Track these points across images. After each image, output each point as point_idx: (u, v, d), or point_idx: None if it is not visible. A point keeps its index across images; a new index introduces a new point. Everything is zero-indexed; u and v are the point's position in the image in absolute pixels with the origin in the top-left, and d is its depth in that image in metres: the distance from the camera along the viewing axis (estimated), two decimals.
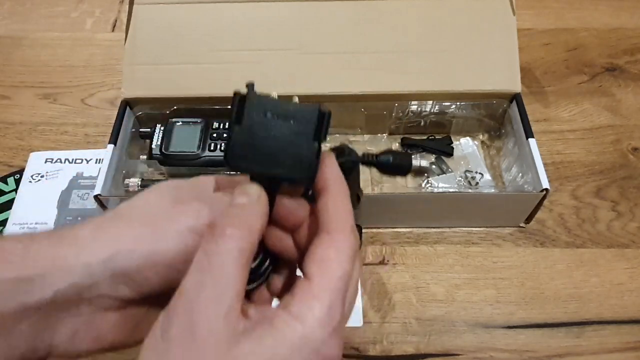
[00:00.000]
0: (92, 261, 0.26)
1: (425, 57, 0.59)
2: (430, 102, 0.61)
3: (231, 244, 0.23)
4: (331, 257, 0.24)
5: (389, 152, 0.39)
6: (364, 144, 0.64)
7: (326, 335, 0.22)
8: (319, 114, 0.26)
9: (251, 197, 0.25)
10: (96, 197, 0.53)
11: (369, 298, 0.53)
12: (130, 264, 0.26)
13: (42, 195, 0.61)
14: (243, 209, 0.25)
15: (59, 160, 0.64)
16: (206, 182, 0.31)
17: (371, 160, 0.39)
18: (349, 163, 0.39)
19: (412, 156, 0.35)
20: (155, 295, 0.28)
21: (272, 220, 0.27)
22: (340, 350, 0.23)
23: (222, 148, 0.58)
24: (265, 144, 0.26)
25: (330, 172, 0.26)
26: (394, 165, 0.34)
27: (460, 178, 0.61)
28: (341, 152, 0.39)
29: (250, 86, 0.26)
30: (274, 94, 0.27)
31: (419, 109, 0.62)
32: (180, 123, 0.59)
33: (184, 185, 0.30)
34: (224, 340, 0.21)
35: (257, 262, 0.28)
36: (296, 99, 0.28)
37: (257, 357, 0.21)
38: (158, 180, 0.59)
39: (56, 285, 0.25)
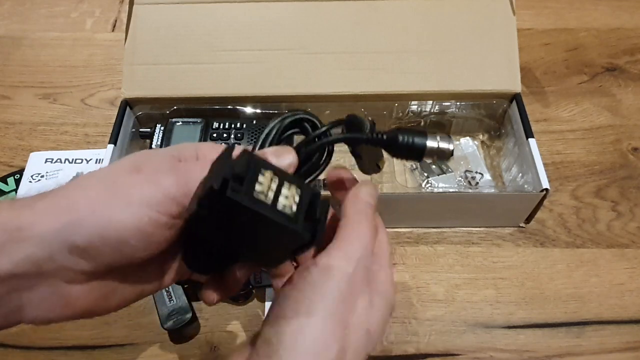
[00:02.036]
0: (46, 232, 0.25)
1: (425, 57, 0.59)
2: (430, 102, 0.61)
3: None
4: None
5: (399, 130, 0.34)
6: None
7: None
8: (300, 242, 0.26)
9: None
10: None
11: None
12: (81, 237, 0.25)
13: None
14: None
15: (59, 160, 0.64)
16: (185, 150, 0.30)
17: (378, 139, 0.32)
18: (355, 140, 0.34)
19: (429, 136, 0.30)
20: (119, 269, 0.27)
21: None
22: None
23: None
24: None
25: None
26: (402, 146, 0.29)
27: (460, 178, 0.61)
28: (353, 124, 0.34)
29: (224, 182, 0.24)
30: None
31: (419, 109, 0.62)
32: (180, 123, 0.59)
33: (155, 154, 0.29)
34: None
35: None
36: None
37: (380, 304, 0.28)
38: None
39: (13, 256, 0.25)
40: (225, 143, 0.58)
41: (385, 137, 0.30)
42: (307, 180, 0.31)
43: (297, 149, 0.30)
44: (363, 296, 0.28)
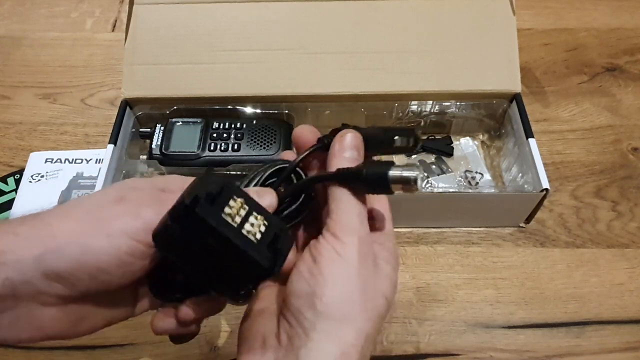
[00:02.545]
0: (24, 258, 0.26)
1: (425, 57, 0.59)
2: (430, 102, 0.61)
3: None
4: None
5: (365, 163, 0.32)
6: None
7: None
8: (258, 270, 0.26)
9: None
10: None
11: None
12: (60, 264, 0.26)
13: (42, 195, 0.61)
14: None
15: (59, 160, 0.64)
16: (172, 182, 0.30)
17: (346, 174, 0.30)
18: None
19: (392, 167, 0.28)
20: (94, 295, 0.28)
21: None
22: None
23: (222, 148, 0.58)
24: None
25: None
26: (368, 179, 0.28)
27: (460, 178, 0.61)
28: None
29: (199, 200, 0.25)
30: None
31: (419, 109, 0.62)
32: (180, 123, 0.59)
33: (141, 185, 0.29)
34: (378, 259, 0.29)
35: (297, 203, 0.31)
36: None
37: (390, 272, 0.30)
38: None
39: None
40: (224, 143, 0.58)
41: (351, 171, 0.29)
42: (288, 225, 0.31)
43: (278, 192, 0.31)
44: (372, 265, 0.28)
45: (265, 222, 0.27)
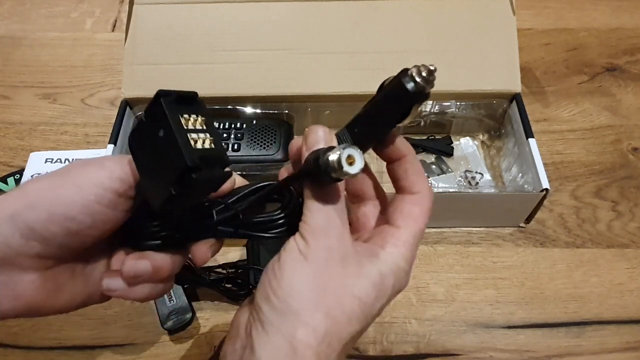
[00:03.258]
0: (0, 218, 0.27)
1: (425, 57, 0.59)
2: (430, 102, 0.61)
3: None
4: (416, 213, 0.30)
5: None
6: None
7: (407, 268, 0.29)
8: (180, 171, 0.25)
9: None
10: None
11: None
12: (33, 217, 0.27)
13: None
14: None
15: (59, 160, 0.64)
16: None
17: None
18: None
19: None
20: (71, 257, 0.30)
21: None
22: (408, 281, 0.30)
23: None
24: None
25: (403, 143, 0.30)
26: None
27: (460, 178, 0.61)
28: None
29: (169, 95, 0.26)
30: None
31: (419, 109, 0.62)
32: None
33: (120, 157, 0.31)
34: (354, 258, 0.28)
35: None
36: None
37: (372, 271, 0.28)
38: None
39: None
40: (224, 143, 0.58)
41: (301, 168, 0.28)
42: (276, 231, 0.31)
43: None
44: (339, 263, 0.28)
45: (213, 146, 0.27)
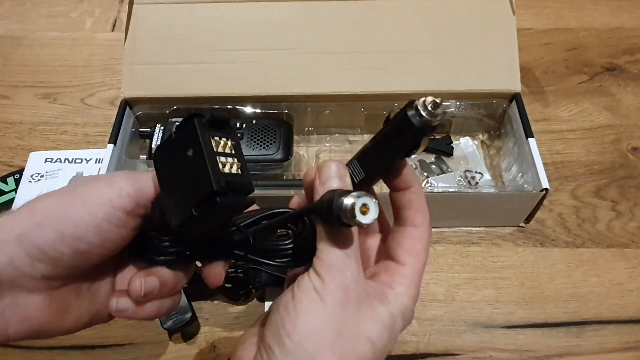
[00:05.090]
0: (6, 239, 0.26)
1: (425, 57, 0.59)
2: None
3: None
4: (420, 249, 0.30)
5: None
6: (363, 144, 0.64)
7: (413, 306, 0.29)
8: (206, 195, 0.25)
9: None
10: None
11: None
12: (41, 237, 0.26)
13: None
14: None
15: (59, 160, 0.64)
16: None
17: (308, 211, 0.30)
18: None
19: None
20: (77, 277, 0.29)
21: None
22: (413, 317, 0.30)
23: None
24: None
25: (411, 174, 0.30)
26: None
27: (460, 178, 0.61)
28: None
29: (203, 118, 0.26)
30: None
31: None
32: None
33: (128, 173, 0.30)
34: (367, 300, 0.27)
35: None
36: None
37: (384, 314, 0.28)
38: None
39: None
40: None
41: (312, 205, 0.28)
42: (281, 261, 0.30)
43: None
44: (355, 306, 0.27)
45: (240, 171, 0.27)
